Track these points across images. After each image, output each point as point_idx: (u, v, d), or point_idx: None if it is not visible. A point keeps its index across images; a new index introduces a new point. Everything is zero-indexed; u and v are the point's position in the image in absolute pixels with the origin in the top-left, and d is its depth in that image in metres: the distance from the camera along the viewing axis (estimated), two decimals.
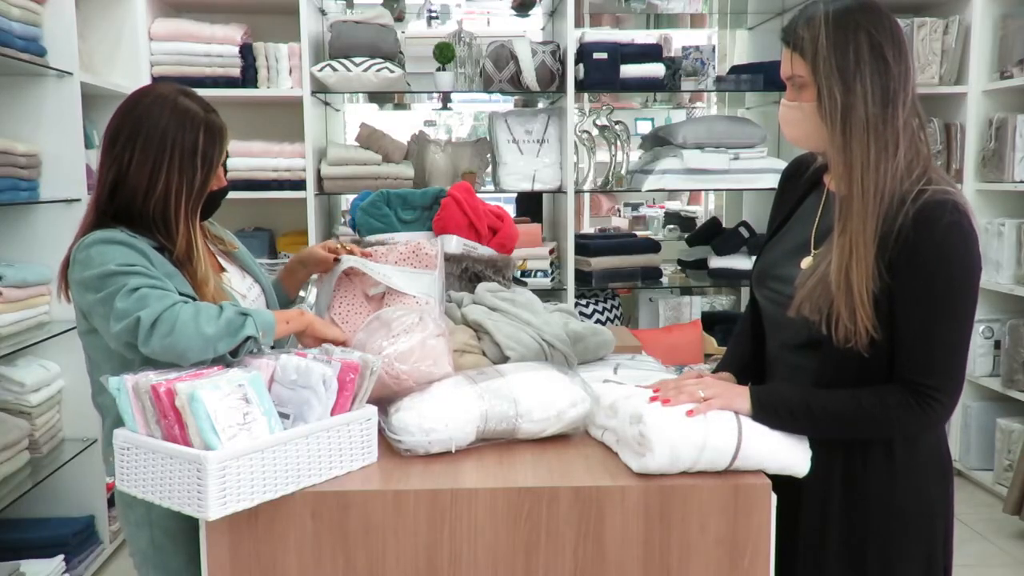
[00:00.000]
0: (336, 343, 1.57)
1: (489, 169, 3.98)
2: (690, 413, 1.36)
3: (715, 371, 1.69)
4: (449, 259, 2.02)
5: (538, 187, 3.84)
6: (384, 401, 1.50)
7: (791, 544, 1.45)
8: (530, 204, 4.65)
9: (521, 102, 4.69)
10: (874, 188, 1.34)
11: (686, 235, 4.85)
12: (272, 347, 1.55)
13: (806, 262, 1.44)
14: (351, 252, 1.89)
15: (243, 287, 1.81)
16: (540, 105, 4.27)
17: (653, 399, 1.41)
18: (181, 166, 1.58)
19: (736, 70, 4.07)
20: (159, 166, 1.57)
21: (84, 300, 1.54)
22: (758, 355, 1.63)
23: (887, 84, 1.34)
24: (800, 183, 1.59)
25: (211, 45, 3.58)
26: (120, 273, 1.48)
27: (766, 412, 1.39)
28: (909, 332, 1.34)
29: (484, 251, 2.12)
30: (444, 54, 3.70)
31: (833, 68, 1.34)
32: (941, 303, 1.33)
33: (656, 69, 3.76)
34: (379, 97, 5.59)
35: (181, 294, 1.53)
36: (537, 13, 4.32)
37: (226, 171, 1.75)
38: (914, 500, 1.43)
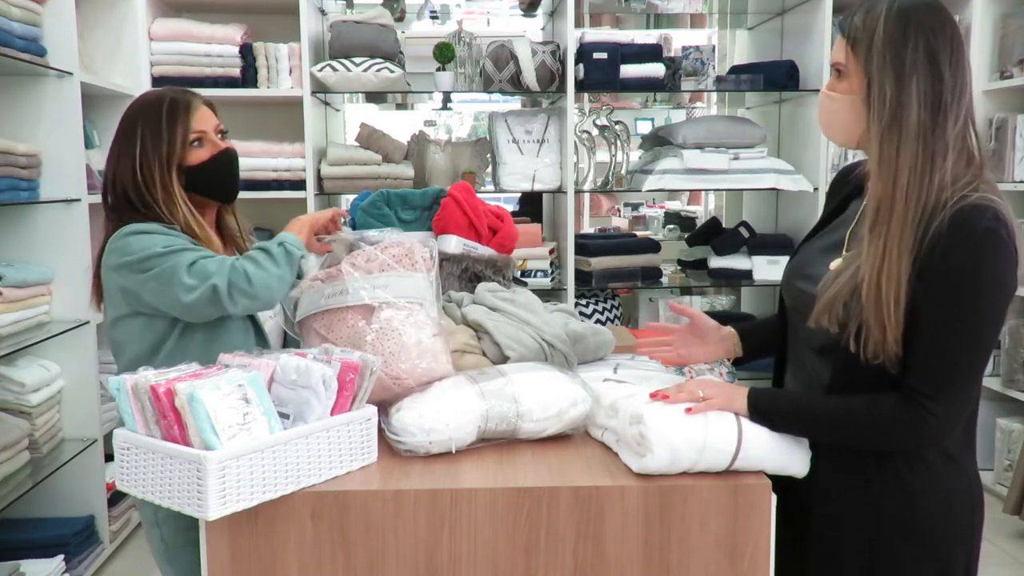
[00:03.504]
0: (335, 219, 1.84)
1: (489, 169, 3.98)
2: (689, 411, 1.37)
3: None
4: (449, 259, 2.02)
5: (538, 187, 3.84)
6: (384, 403, 1.50)
7: (800, 555, 1.45)
8: (530, 204, 4.65)
9: (528, 102, 4.69)
10: (917, 197, 1.27)
11: (686, 235, 4.85)
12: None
13: (835, 263, 1.40)
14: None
15: None
16: (540, 105, 4.28)
17: (653, 396, 1.41)
18: (152, 140, 1.71)
19: (736, 70, 4.07)
20: (133, 150, 1.71)
21: (130, 281, 1.64)
22: (782, 352, 1.60)
23: (940, 92, 1.27)
24: (847, 187, 1.54)
25: (211, 45, 3.58)
26: (168, 252, 1.61)
27: (761, 416, 1.39)
28: (922, 338, 1.27)
29: (484, 251, 2.12)
30: (444, 54, 3.70)
31: (887, 63, 1.28)
32: (961, 311, 1.25)
33: (656, 69, 3.76)
34: (379, 97, 5.59)
35: None
36: (537, 13, 4.32)
37: (224, 134, 1.83)
38: (936, 524, 1.36)
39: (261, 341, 1.83)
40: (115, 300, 1.70)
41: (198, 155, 1.76)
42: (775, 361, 1.63)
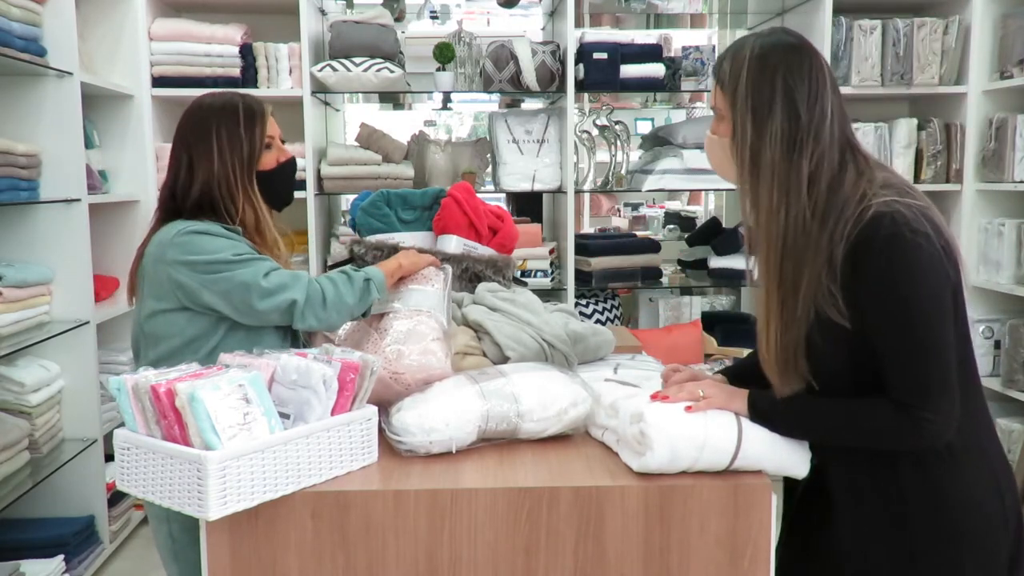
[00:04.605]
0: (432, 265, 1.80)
1: (489, 169, 3.98)
2: (689, 409, 1.37)
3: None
4: (449, 259, 2.02)
5: (538, 187, 3.84)
6: (385, 403, 1.50)
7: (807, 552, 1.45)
8: (530, 204, 4.65)
9: (520, 102, 4.69)
10: (776, 231, 1.35)
11: (686, 235, 4.85)
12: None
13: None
14: None
15: None
16: (540, 105, 4.27)
17: (653, 397, 1.42)
18: (231, 144, 1.76)
19: None
20: (211, 150, 1.75)
21: (192, 279, 1.65)
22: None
23: (795, 131, 1.33)
24: None
25: (211, 45, 3.58)
26: (241, 260, 1.65)
27: (760, 416, 1.39)
28: (884, 353, 1.30)
29: (484, 251, 2.12)
30: (444, 54, 3.70)
31: (748, 107, 1.35)
32: (906, 322, 1.28)
33: (656, 69, 3.76)
34: (379, 97, 5.59)
35: None
36: (537, 13, 4.32)
37: (284, 142, 1.91)
38: (967, 517, 1.35)
39: (295, 344, 1.83)
40: (163, 293, 1.69)
41: (267, 160, 1.83)
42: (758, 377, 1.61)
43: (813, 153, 1.33)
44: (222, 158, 1.75)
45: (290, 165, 1.90)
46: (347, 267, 1.73)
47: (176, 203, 1.77)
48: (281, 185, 1.88)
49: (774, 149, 1.33)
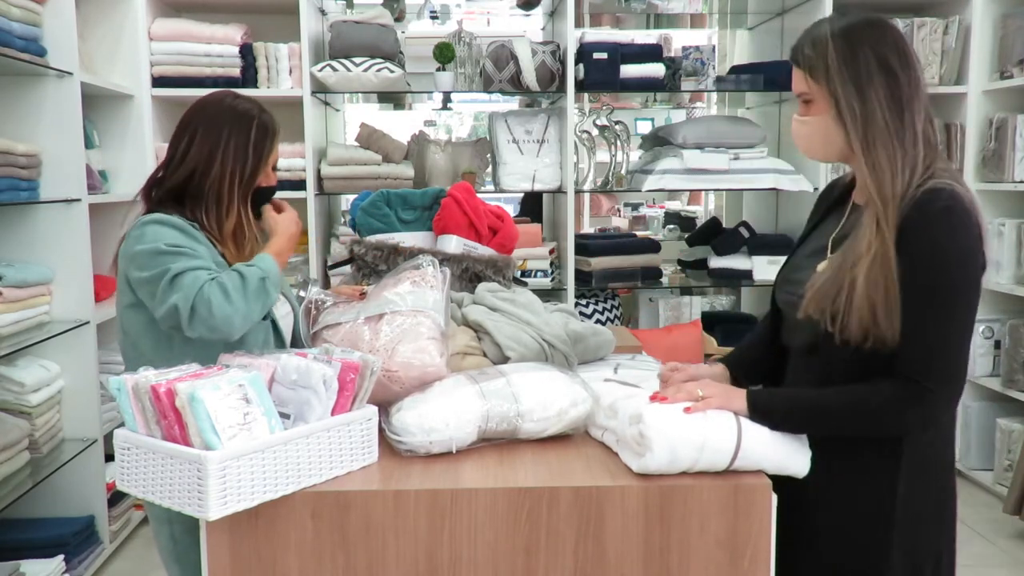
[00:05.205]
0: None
1: (489, 169, 3.98)
2: (688, 410, 1.37)
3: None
4: (449, 259, 2.02)
5: (538, 187, 3.84)
6: (385, 403, 1.50)
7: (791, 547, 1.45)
8: (530, 204, 4.65)
9: (520, 102, 4.69)
10: (897, 191, 1.36)
11: (686, 235, 4.85)
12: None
13: (821, 266, 1.46)
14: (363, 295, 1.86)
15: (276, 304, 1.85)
16: (540, 105, 4.27)
17: (652, 398, 1.41)
18: (235, 154, 1.75)
19: (736, 70, 4.07)
20: (215, 151, 1.74)
21: (132, 274, 1.65)
22: (780, 361, 1.62)
23: (898, 92, 1.38)
24: (830, 199, 1.63)
25: (211, 45, 3.58)
26: (167, 253, 1.61)
27: (761, 414, 1.40)
28: (907, 323, 1.33)
29: (484, 251, 2.12)
30: (444, 54, 3.70)
31: (847, 80, 1.39)
32: (934, 291, 1.32)
33: (656, 69, 3.76)
34: (379, 97, 5.59)
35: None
36: (537, 13, 4.32)
37: (276, 170, 1.90)
38: (928, 500, 1.44)
39: (279, 342, 1.82)
40: (123, 287, 1.71)
41: (262, 179, 1.84)
42: (765, 371, 1.65)
43: (920, 109, 1.39)
44: (224, 166, 1.74)
45: (271, 191, 1.88)
46: (242, 267, 1.65)
47: (158, 190, 1.76)
48: (255, 206, 1.85)
49: (883, 111, 1.38)
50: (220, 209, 1.75)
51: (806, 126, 1.47)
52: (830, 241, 1.50)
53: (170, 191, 1.75)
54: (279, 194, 1.91)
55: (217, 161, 1.74)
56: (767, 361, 1.65)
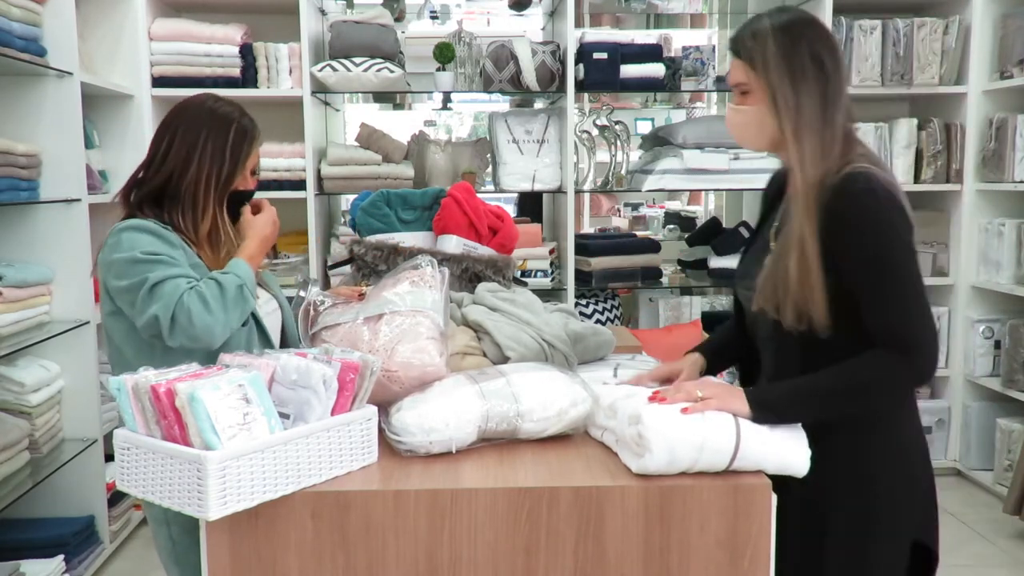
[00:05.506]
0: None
1: (489, 169, 3.98)
2: (685, 411, 1.37)
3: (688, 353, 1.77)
4: (449, 259, 2.02)
5: (538, 187, 3.84)
6: (385, 403, 1.50)
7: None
8: (527, 204, 4.65)
9: (520, 102, 4.68)
10: (816, 178, 1.46)
11: (686, 235, 4.85)
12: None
13: (769, 259, 1.53)
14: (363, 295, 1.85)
15: (260, 301, 1.85)
16: (540, 105, 4.27)
17: (651, 398, 1.42)
18: (212, 157, 1.75)
19: None
20: (192, 153, 1.74)
21: (111, 283, 1.65)
22: (752, 351, 1.68)
23: (826, 89, 1.48)
24: (773, 191, 1.71)
25: (211, 45, 3.58)
26: (144, 261, 1.61)
27: (764, 409, 1.40)
28: (867, 298, 1.41)
29: (484, 251, 2.12)
30: (444, 54, 3.70)
31: (784, 74, 1.47)
32: (881, 260, 1.41)
33: (656, 69, 3.76)
34: (379, 97, 5.59)
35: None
36: (537, 13, 4.32)
37: (256, 173, 1.89)
38: (903, 484, 1.51)
39: (264, 339, 1.82)
40: (104, 294, 1.71)
41: (239, 182, 1.82)
42: (737, 358, 1.75)
43: (842, 107, 1.49)
44: (201, 169, 1.74)
45: (250, 194, 1.87)
46: (219, 276, 1.66)
47: (138, 192, 1.76)
48: (230, 211, 1.84)
49: (813, 106, 1.47)
50: (196, 211, 1.75)
51: (741, 115, 1.54)
52: (771, 233, 1.58)
53: (149, 193, 1.75)
54: (273, 195, 1.90)
55: (194, 163, 1.73)
56: (739, 348, 1.72)
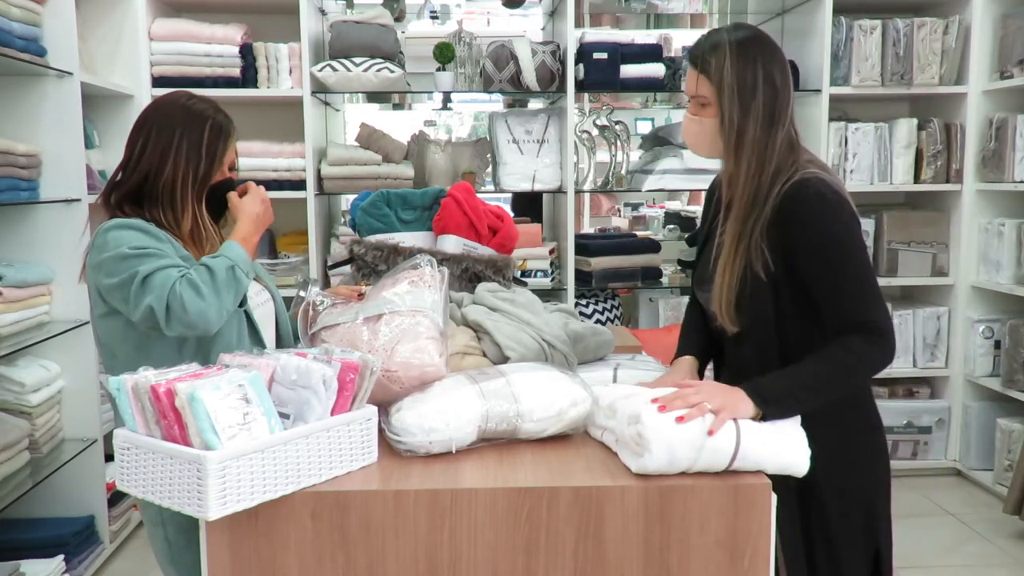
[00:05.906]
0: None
1: (489, 169, 3.98)
2: (680, 420, 1.35)
3: (675, 357, 1.81)
4: (449, 259, 2.02)
5: (538, 187, 3.84)
6: (384, 403, 1.50)
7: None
8: (530, 204, 4.65)
9: (520, 102, 4.68)
10: (749, 194, 1.57)
11: (686, 235, 4.85)
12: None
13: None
14: (362, 295, 1.84)
15: (252, 292, 1.85)
16: (540, 105, 4.27)
17: (654, 401, 1.40)
18: (188, 155, 1.74)
19: None
20: (167, 152, 1.73)
21: (102, 283, 1.65)
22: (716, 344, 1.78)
23: (774, 107, 1.56)
24: (719, 195, 1.75)
25: (211, 45, 3.58)
26: (132, 256, 1.61)
27: (771, 405, 1.43)
28: (826, 289, 1.52)
29: (484, 251, 2.12)
30: (444, 54, 3.70)
31: (735, 94, 1.55)
32: (836, 251, 1.51)
33: (656, 69, 3.77)
34: (379, 97, 5.59)
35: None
36: (537, 13, 4.32)
37: (235, 170, 1.87)
38: (855, 451, 1.64)
39: (255, 336, 1.81)
40: (95, 297, 1.71)
41: (217, 177, 1.81)
42: (709, 352, 1.82)
43: (787, 121, 1.58)
44: (177, 167, 1.72)
45: (231, 185, 1.84)
46: (208, 260, 1.65)
47: (117, 193, 1.74)
48: (220, 204, 1.83)
49: (756, 126, 1.55)
50: (175, 210, 1.74)
51: (697, 125, 1.62)
52: (718, 239, 1.66)
53: (128, 194, 1.74)
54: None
55: (169, 161, 1.72)
56: (712, 343, 1.79)
